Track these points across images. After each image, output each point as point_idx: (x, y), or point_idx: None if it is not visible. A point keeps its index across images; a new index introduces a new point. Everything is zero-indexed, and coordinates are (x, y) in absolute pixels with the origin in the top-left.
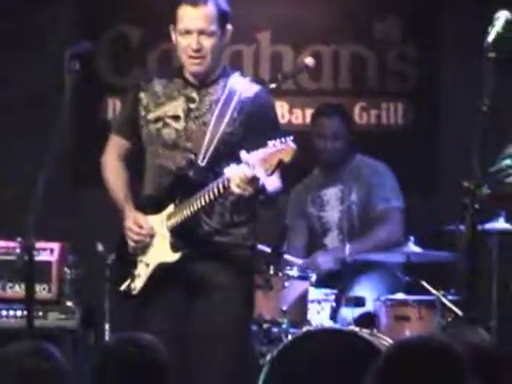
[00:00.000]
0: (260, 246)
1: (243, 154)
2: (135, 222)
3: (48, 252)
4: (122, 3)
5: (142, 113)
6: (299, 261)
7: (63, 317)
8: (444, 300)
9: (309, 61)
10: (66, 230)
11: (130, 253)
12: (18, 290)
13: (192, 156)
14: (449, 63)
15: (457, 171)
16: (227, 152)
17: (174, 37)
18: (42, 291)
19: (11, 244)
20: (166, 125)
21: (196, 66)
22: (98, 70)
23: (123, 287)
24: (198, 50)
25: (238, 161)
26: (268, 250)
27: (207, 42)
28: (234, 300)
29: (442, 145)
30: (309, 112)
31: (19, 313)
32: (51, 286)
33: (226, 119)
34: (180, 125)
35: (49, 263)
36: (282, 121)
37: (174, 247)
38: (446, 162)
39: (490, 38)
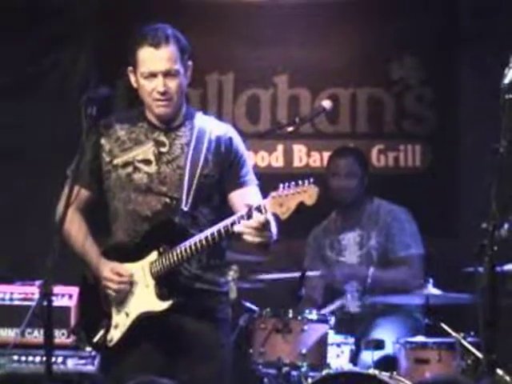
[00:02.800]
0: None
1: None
2: (113, 271)
3: (67, 297)
4: None
5: (107, 159)
6: (317, 272)
7: (82, 362)
8: (464, 342)
9: (326, 104)
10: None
11: (100, 304)
12: (36, 335)
13: (168, 200)
14: (466, 105)
15: (477, 213)
16: (205, 195)
17: (133, 79)
18: (60, 336)
19: (29, 289)
20: (136, 169)
21: (163, 108)
22: (117, 111)
23: (96, 339)
24: (164, 93)
25: (215, 205)
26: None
27: (173, 83)
28: (216, 352)
29: (461, 187)
30: (326, 155)
31: (38, 358)
32: (69, 329)
33: (201, 161)
34: (151, 169)
35: (67, 308)
36: (300, 164)
37: (162, 295)
38: (466, 205)
39: (507, 79)
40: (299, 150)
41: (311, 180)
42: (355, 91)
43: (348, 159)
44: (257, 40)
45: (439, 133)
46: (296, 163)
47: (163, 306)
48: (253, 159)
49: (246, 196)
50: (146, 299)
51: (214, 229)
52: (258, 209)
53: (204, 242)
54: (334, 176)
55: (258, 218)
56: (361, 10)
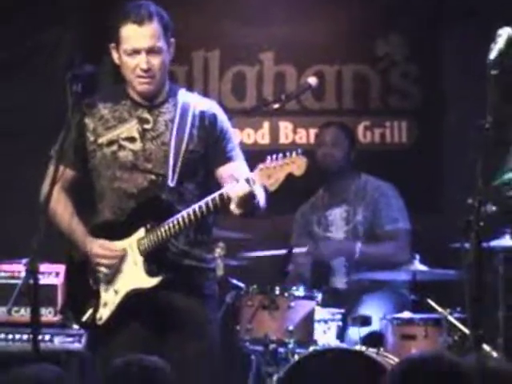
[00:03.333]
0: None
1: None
2: (103, 247)
3: (53, 275)
4: None
5: (91, 138)
6: (304, 248)
7: (69, 340)
8: (450, 318)
9: (312, 80)
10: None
11: (87, 283)
12: (23, 313)
13: (153, 177)
14: (451, 80)
15: (462, 189)
16: (191, 171)
17: (115, 55)
18: (47, 315)
19: (16, 267)
20: (121, 147)
21: (146, 85)
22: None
23: (85, 318)
24: (147, 70)
25: (200, 180)
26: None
27: (156, 60)
28: (205, 329)
29: (445, 163)
30: (313, 131)
31: (25, 337)
32: (57, 309)
33: (186, 137)
34: (136, 146)
35: (54, 286)
36: (286, 141)
37: (151, 272)
38: (450, 180)
39: (493, 55)
40: (285, 126)
41: (299, 151)
42: (341, 68)
43: (333, 129)
44: (243, 17)
45: (424, 109)
46: (282, 140)
47: (152, 282)
48: (239, 136)
49: (233, 170)
50: (134, 276)
51: (202, 202)
52: (247, 181)
53: (192, 216)
54: (319, 147)
55: (244, 188)
56: None
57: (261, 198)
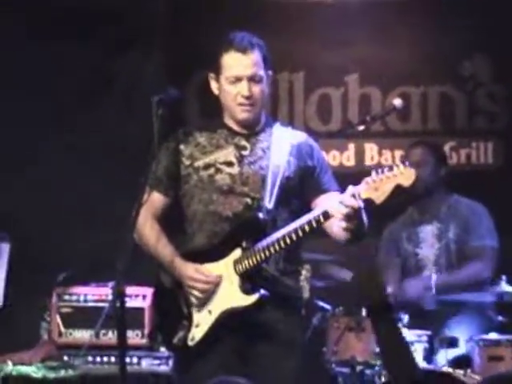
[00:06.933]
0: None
1: (349, 187)
2: (198, 271)
3: (140, 298)
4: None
5: (187, 162)
6: (389, 289)
7: (157, 362)
8: None
9: (397, 102)
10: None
11: (178, 305)
12: (111, 336)
13: (249, 200)
14: None
15: None
16: (286, 198)
17: (214, 85)
18: (134, 337)
19: (104, 290)
20: (218, 171)
21: (246, 113)
22: (188, 114)
23: (176, 339)
24: (249, 97)
25: (293, 209)
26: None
27: (256, 89)
28: (294, 350)
29: None
30: (398, 153)
31: (112, 359)
32: (144, 331)
33: (284, 163)
34: (234, 170)
35: (141, 309)
36: (371, 162)
37: (247, 290)
38: None
39: None
40: (370, 148)
41: (406, 163)
42: (426, 89)
43: (419, 148)
44: (327, 39)
45: (510, 130)
46: (367, 162)
47: (250, 300)
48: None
49: (327, 200)
50: (230, 296)
51: (303, 220)
52: (352, 196)
53: (293, 234)
54: None
55: (350, 202)
56: (430, 8)
57: (364, 218)
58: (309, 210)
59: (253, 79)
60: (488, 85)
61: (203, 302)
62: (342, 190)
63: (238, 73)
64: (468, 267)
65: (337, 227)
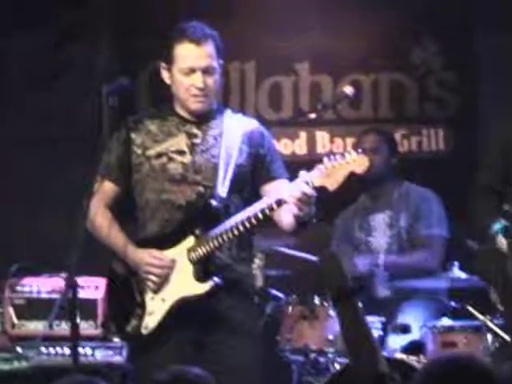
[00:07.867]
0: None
1: (301, 172)
2: (153, 255)
3: (93, 288)
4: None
5: (138, 151)
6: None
7: (110, 353)
8: (491, 325)
9: (348, 90)
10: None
11: (131, 294)
12: (64, 327)
13: (202, 189)
14: (488, 88)
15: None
16: (238, 185)
17: (166, 74)
18: (88, 328)
19: (57, 281)
20: (170, 160)
21: (199, 104)
22: (139, 103)
23: (129, 328)
24: (202, 89)
25: (246, 196)
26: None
27: (210, 80)
28: (249, 340)
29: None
30: (350, 141)
31: (66, 350)
32: (97, 322)
33: (235, 151)
34: (186, 159)
35: (94, 300)
36: (323, 150)
37: (201, 278)
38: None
39: None
40: (322, 136)
41: (359, 150)
42: (377, 76)
43: (372, 135)
44: (277, 28)
45: (461, 116)
46: (319, 150)
47: (204, 287)
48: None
49: (279, 187)
50: (184, 284)
51: (256, 208)
52: (306, 182)
53: (246, 222)
54: None
55: (304, 188)
56: None
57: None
58: (259, 197)
59: (207, 71)
60: (438, 72)
61: (156, 289)
62: (293, 177)
63: (192, 64)
64: (414, 255)
65: (285, 214)
